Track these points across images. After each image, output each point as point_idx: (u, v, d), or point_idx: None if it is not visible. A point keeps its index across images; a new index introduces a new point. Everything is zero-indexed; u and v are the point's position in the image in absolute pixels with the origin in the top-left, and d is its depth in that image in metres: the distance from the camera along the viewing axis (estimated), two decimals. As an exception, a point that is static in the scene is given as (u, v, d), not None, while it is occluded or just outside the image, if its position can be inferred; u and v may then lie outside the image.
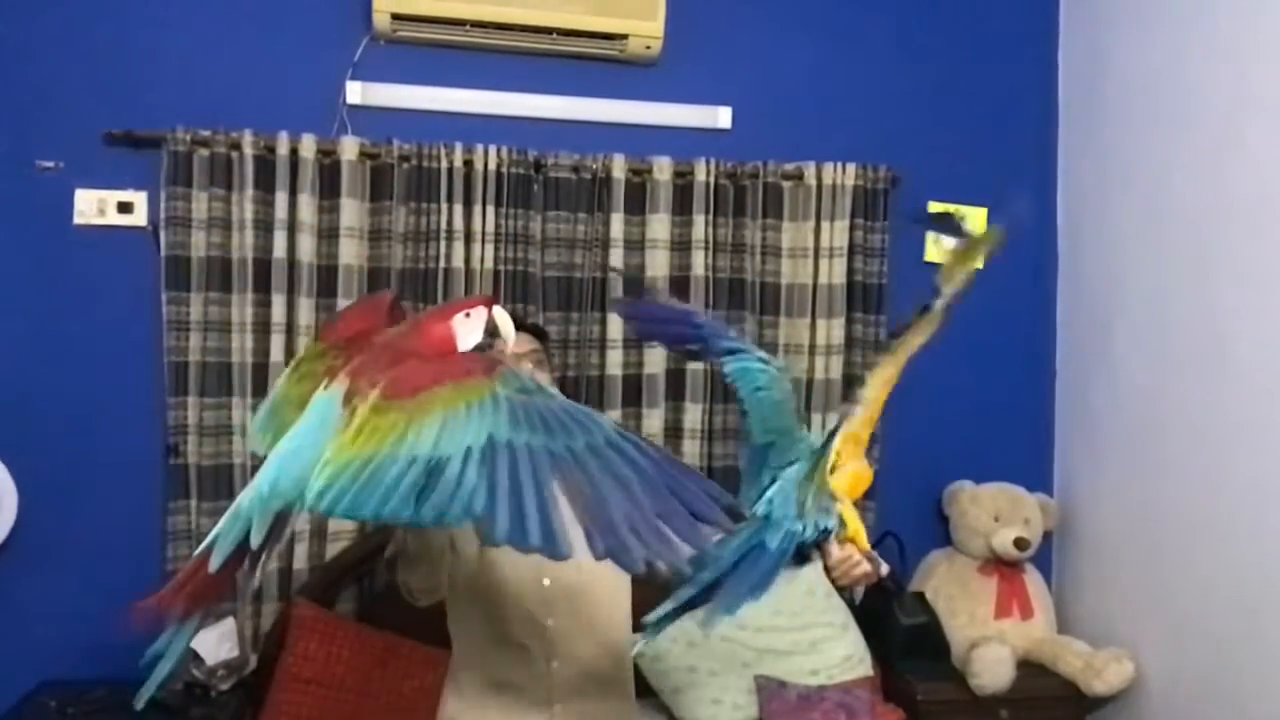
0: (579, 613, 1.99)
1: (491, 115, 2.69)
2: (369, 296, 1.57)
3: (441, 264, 2.58)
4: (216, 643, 2.34)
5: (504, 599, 1.98)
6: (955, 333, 2.99)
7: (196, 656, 2.31)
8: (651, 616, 1.45)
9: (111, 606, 1.29)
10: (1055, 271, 2.98)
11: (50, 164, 2.48)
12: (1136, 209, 2.64)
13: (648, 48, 2.68)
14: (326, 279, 2.54)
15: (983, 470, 2.81)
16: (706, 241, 2.71)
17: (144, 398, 2.50)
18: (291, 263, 2.51)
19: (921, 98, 2.91)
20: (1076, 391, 2.90)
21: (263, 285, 2.50)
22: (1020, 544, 2.67)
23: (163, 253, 2.48)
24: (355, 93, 2.61)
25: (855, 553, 1.62)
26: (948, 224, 1.54)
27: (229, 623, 2.41)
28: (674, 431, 2.73)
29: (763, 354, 1.80)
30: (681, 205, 2.72)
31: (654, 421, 2.70)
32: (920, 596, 2.68)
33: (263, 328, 2.50)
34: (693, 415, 2.72)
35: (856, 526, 1.62)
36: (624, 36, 2.65)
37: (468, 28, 2.59)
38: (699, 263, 2.71)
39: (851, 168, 2.75)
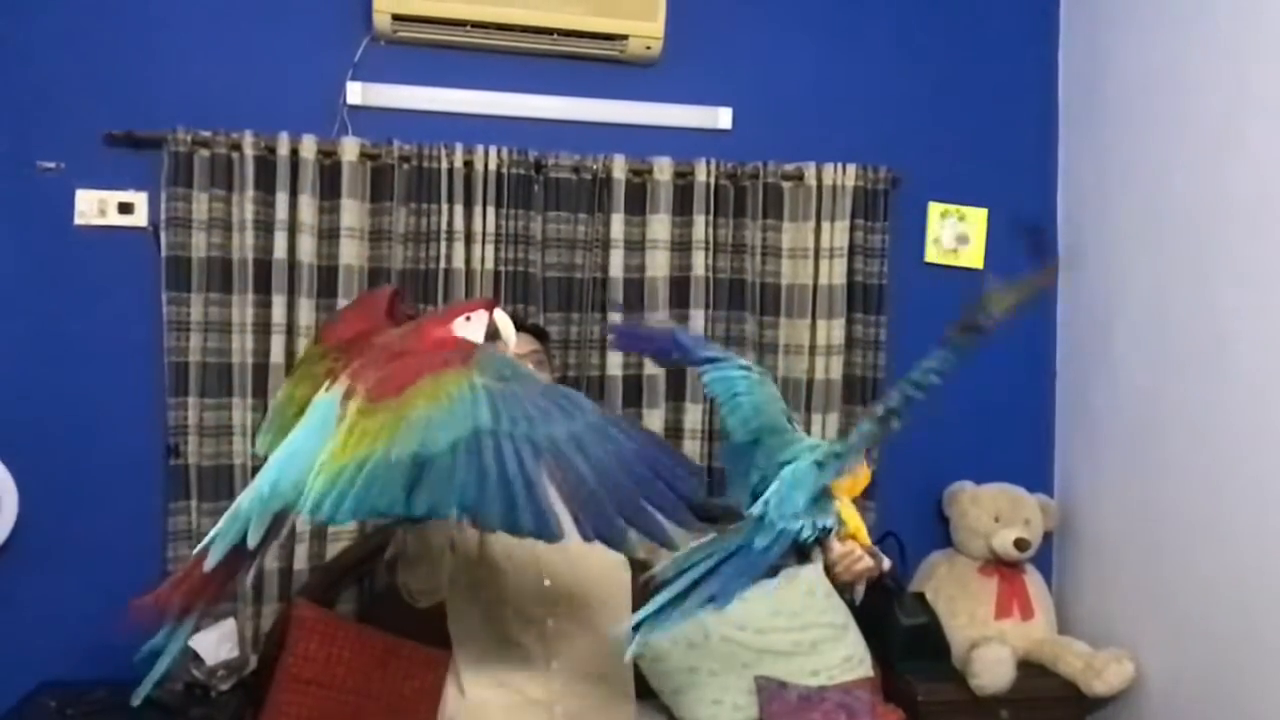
0: (579, 613, 1.99)
1: (492, 116, 2.69)
2: (369, 292, 1.57)
3: (442, 264, 2.58)
4: (217, 643, 2.34)
5: (504, 599, 1.98)
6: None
7: (196, 657, 2.31)
8: (638, 616, 1.45)
9: (112, 607, 1.29)
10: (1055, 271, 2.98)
11: (51, 164, 2.48)
12: (1136, 209, 2.64)
13: (648, 48, 2.68)
14: (327, 279, 2.54)
15: (983, 471, 2.81)
16: (707, 242, 2.71)
17: (144, 398, 2.50)
18: (292, 263, 2.51)
19: (922, 98, 2.91)
20: (1077, 392, 2.90)
21: (263, 286, 2.50)
22: (1020, 544, 2.67)
23: (163, 253, 2.48)
24: (356, 93, 2.61)
25: (857, 548, 1.63)
26: (1038, 242, 1.58)
27: (229, 623, 2.41)
28: (674, 432, 2.73)
29: (744, 362, 1.81)
30: (682, 206, 2.72)
31: (654, 422, 2.69)
32: (920, 597, 2.68)
33: (263, 328, 2.50)
34: (693, 415, 2.72)
35: (857, 523, 1.62)
36: (624, 37, 2.65)
37: (468, 28, 2.59)
38: (699, 263, 2.71)
39: (852, 168, 2.75)
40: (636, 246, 2.71)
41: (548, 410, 1.17)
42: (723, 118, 2.81)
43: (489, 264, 2.61)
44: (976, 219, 2.92)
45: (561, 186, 2.67)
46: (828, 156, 2.76)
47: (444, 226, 2.58)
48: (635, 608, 1.93)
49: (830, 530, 1.58)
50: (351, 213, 2.54)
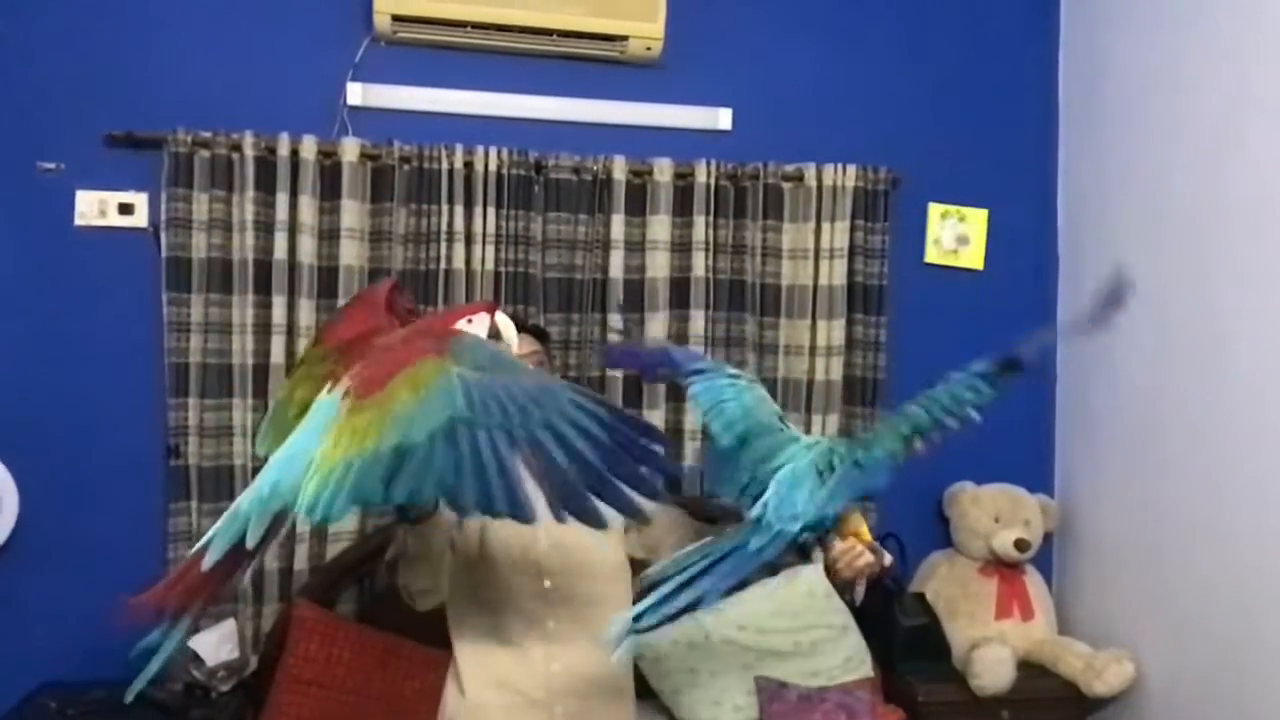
0: (580, 614, 1.99)
1: (492, 117, 2.70)
2: (369, 289, 1.57)
3: (442, 265, 2.58)
4: (217, 644, 2.34)
5: (505, 600, 1.98)
6: (956, 333, 3.00)
7: (197, 658, 2.31)
8: (626, 615, 1.46)
9: (112, 608, 1.30)
10: (1056, 272, 2.98)
11: (51, 165, 2.48)
12: (1136, 209, 2.64)
13: (648, 49, 2.68)
14: (327, 280, 2.55)
15: (983, 471, 2.81)
16: (707, 243, 2.71)
17: (144, 399, 2.50)
18: (292, 264, 2.51)
19: (922, 99, 2.91)
20: (1077, 392, 2.90)
21: (263, 286, 2.50)
22: (1021, 545, 2.67)
23: (163, 254, 2.48)
24: (356, 94, 2.61)
25: (858, 544, 1.63)
26: (1115, 295, 1.57)
27: (229, 624, 2.41)
28: (674, 432, 2.73)
29: (733, 370, 1.82)
30: (682, 206, 2.72)
31: (654, 422, 2.69)
32: (921, 598, 2.68)
33: (263, 329, 2.50)
34: (693, 416, 2.72)
35: (857, 520, 1.63)
36: (624, 38, 2.65)
37: (468, 29, 2.59)
38: (699, 264, 2.71)
39: (852, 169, 2.75)
40: (637, 247, 2.71)
41: (522, 399, 1.19)
42: (723, 118, 2.81)
43: (489, 265, 2.61)
44: (977, 219, 2.92)
45: (562, 187, 2.67)
46: (828, 157, 2.76)
47: (444, 227, 2.58)
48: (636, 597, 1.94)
49: (829, 529, 1.57)
50: (352, 213, 2.54)
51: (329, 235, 2.55)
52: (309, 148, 2.52)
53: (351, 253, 2.54)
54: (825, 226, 2.75)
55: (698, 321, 2.71)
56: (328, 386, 1.41)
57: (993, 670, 2.47)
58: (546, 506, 1.15)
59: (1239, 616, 2.25)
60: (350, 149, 2.54)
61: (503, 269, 2.63)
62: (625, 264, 2.69)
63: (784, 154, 2.76)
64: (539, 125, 2.72)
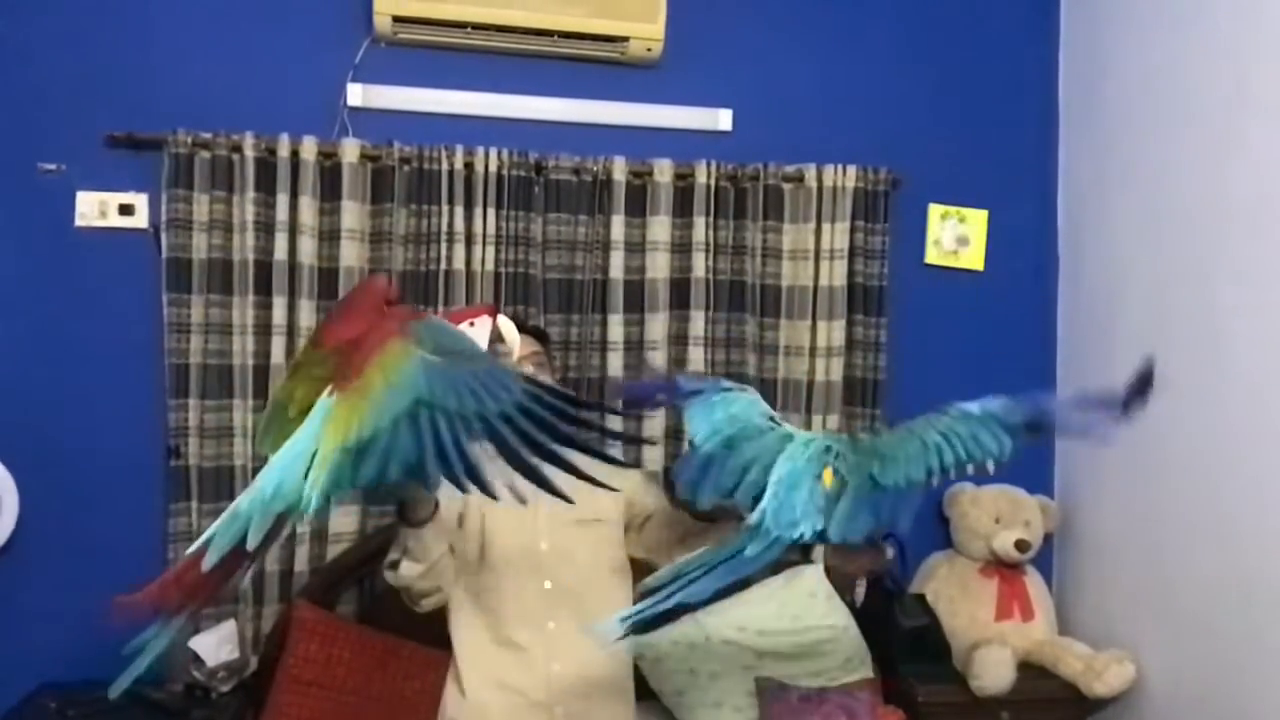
0: (580, 615, 1.99)
1: (492, 117, 2.70)
2: (364, 288, 1.58)
3: (442, 266, 2.58)
4: (217, 645, 2.34)
5: (505, 601, 1.98)
6: (956, 334, 3.00)
7: (197, 658, 2.31)
8: (619, 615, 1.47)
9: (107, 607, 1.30)
10: (1056, 272, 2.98)
11: (52, 166, 2.49)
12: (1136, 210, 2.64)
13: (648, 50, 2.68)
14: (327, 281, 2.55)
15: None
16: (707, 244, 2.71)
17: (145, 399, 2.50)
18: (292, 265, 2.51)
19: (922, 99, 2.91)
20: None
21: (264, 287, 2.50)
22: (1021, 546, 2.67)
23: (164, 255, 2.48)
24: (356, 95, 2.61)
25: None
26: (1143, 385, 1.56)
27: (229, 625, 2.41)
28: (674, 434, 2.73)
29: (727, 384, 1.83)
30: (682, 207, 2.72)
31: (654, 423, 2.70)
32: (921, 598, 2.68)
33: (264, 330, 2.50)
34: (693, 417, 2.72)
35: None
36: (625, 39, 2.65)
37: (468, 30, 2.60)
38: (699, 265, 2.71)
39: (852, 169, 2.75)
40: (637, 248, 2.71)
41: (477, 392, 1.24)
42: (723, 119, 2.81)
43: (489, 265, 2.61)
44: (977, 220, 2.92)
45: (562, 188, 2.67)
46: (828, 158, 2.76)
47: (444, 228, 2.58)
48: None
49: (827, 531, 1.57)
50: (352, 214, 2.54)
51: (329, 236, 2.55)
52: (309, 149, 2.52)
53: (352, 254, 2.54)
54: (825, 227, 2.75)
55: (698, 322, 2.71)
56: (329, 390, 1.41)
57: (993, 671, 2.47)
58: (506, 482, 1.22)
59: (1240, 617, 2.25)
60: (350, 150, 2.54)
61: (503, 270, 2.63)
62: (625, 265, 2.69)
63: (784, 155, 2.76)
64: (539, 126, 2.72)
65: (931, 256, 2.92)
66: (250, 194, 2.49)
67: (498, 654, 1.98)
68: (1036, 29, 2.99)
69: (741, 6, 2.84)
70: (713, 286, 2.73)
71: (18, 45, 2.47)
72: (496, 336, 1.62)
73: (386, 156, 2.57)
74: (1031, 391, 1.54)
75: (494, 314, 1.61)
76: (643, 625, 1.48)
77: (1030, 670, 2.59)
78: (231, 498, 2.46)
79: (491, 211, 2.61)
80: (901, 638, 2.57)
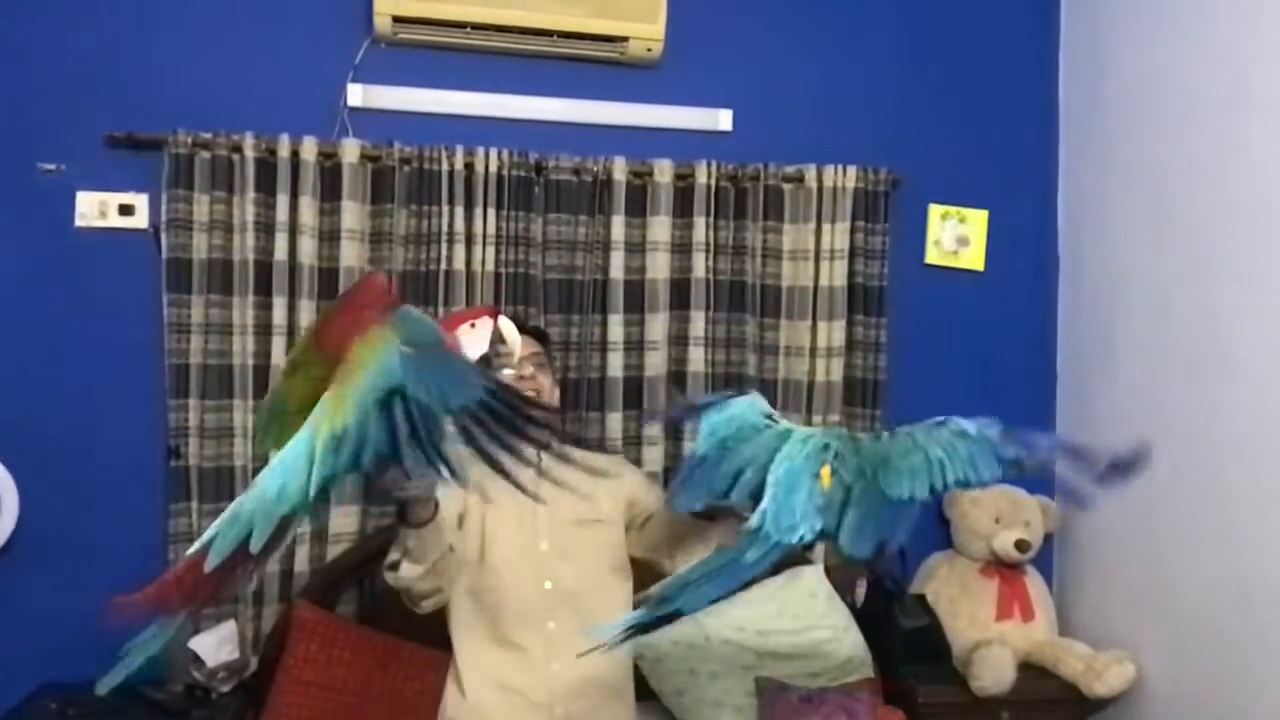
0: (580, 615, 1.99)
1: (492, 118, 2.70)
2: (362, 285, 1.58)
3: (443, 266, 2.58)
4: (217, 645, 2.34)
5: (505, 601, 1.98)
6: (956, 334, 3.00)
7: (197, 659, 2.31)
8: (616, 625, 1.47)
9: (105, 607, 1.30)
10: (1056, 273, 2.98)
11: (52, 166, 2.48)
12: (1137, 210, 2.64)
13: (649, 50, 2.68)
14: (327, 281, 2.54)
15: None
16: (707, 244, 2.71)
17: (145, 400, 2.50)
18: (293, 265, 2.51)
19: (922, 100, 2.91)
20: (1077, 393, 2.90)
21: (264, 288, 2.50)
22: (1021, 546, 2.67)
23: (164, 255, 2.48)
24: (356, 95, 2.61)
25: None
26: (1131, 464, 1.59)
27: (229, 625, 2.41)
28: (675, 435, 2.73)
29: (730, 392, 1.85)
30: (682, 207, 2.72)
31: (654, 425, 2.69)
32: (921, 599, 2.68)
33: (264, 330, 2.50)
34: (694, 418, 2.72)
35: None
36: (625, 39, 2.65)
37: (468, 30, 2.59)
38: (700, 265, 2.71)
39: (852, 170, 2.75)
40: (637, 248, 2.71)
41: (443, 384, 1.29)
42: (723, 119, 2.81)
43: (489, 266, 2.61)
44: (977, 221, 2.92)
45: (562, 188, 2.67)
46: (828, 158, 2.76)
47: (444, 228, 2.58)
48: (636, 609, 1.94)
49: (827, 532, 1.57)
50: (352, 214, 2.54)
51: (329, 236, 2.55)
52: (309, 149, 2.52)
53: (352, 254, 2.54)
54: (826, 227, 2.75)
55: (698, 322, 2.71)
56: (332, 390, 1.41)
57: (993, 671, 2.47)
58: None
59: (1240, 617, 2.25)
60: (351, 150, 2.54)
61: (503, 270, 2.62)
62: (625, 265, 2.69)
63: (784, 155, 2.76)
64: (539, 126, 2.72)
65: (932, 257, 2.92)
66: (250, 194, 2.49)
67: (498, 654, 1.98)
68: (1036, 29, 2.99)
69: (741, 7, 2.84)
70: (713, 287, 2.73)
71: (18, 45, 2.47)
72: (498, 338, 1.62)
73: (387, 157, 2.57)
74: (1028, 427, 1.55)
75: (495, 315, 1.62)
76: (641, 628, 1.49)
77: (1031, 671, 2.60)
78: (232, 498, 2.45)
79: (492, 212, 2.61)
80: (902, 638, 2.57)
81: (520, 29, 2.60)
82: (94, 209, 2.50)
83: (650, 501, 2.12)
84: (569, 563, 2.03)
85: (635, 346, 2.70)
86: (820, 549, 2.52)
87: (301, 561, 2.50)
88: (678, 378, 2.73)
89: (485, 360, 1.82)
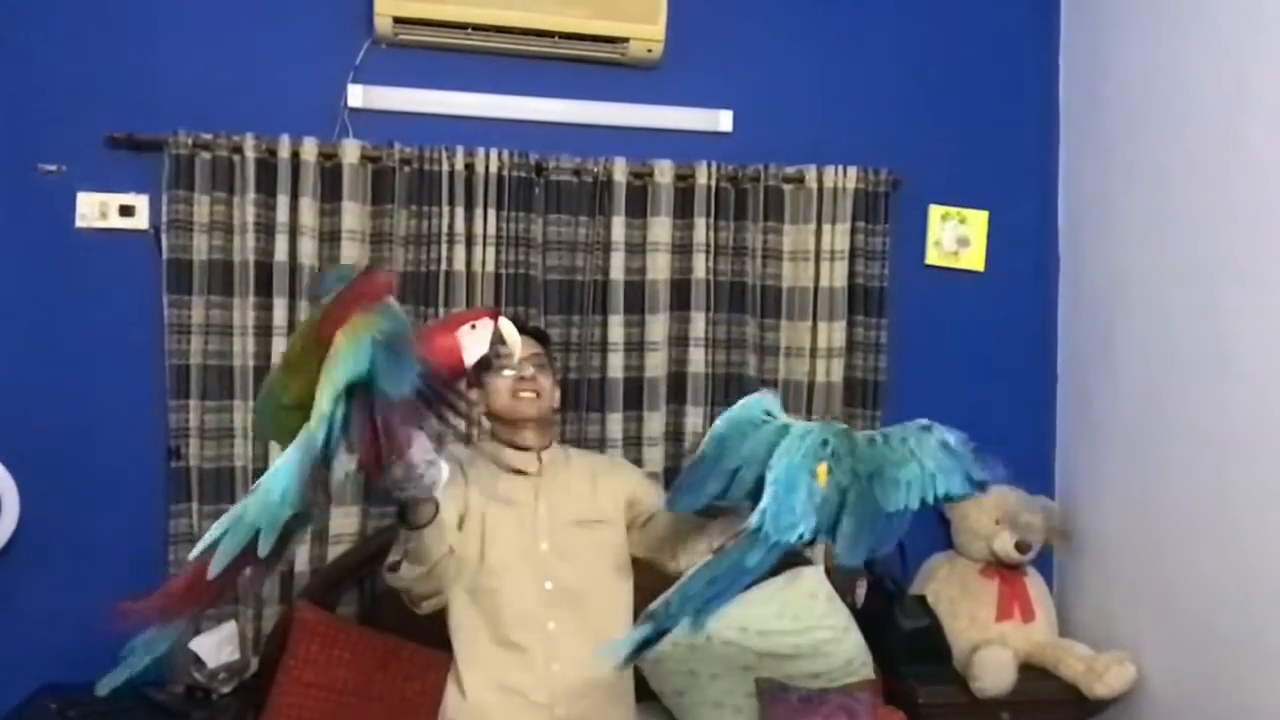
0: (580, 616, 1.99)
1: (493, 118, 2.70)
2: (362, 281, 1.57)
3: (443, 267, 2.58)
4: (217, 646, 2.34)
5: (505, 602, 1.98)
6: (957, 335, 3.00)
7: (198, 660, 2.31)
8: (624, 644, 1.48)
9: (110, 612, 1.30)
10: (1057, 273, 2.98)
11: (52, 167, 2.49)
12: (1137, 210, 2.64)
13: (649, 51, 2.68)
14: (328, 282, 2.54)
15: (983, 473, 2.80)
16: (708, 244, 2.71)
17: (145, 400, 2.50)
18: (293, 266, 2.51)
19: (922, 100, 2.91)
20: (1078, 394, 2.90)
21: (264, 288, 2.50)
22: (1021, 547, 2.67)
23: (164, 256, 2.48)
24: (356, 96, 2.61)
25: None
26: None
27: (230, 626, 2.41)
28: (675, 435, 2.73)
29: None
30: (683, 208, 2.72)
31: (655, 425, 2.69)
32: (921, 600, 2.68)
33: (264, 331, 2.50)
34: (694, 419, 2.72)
35: None
36: (625, 40, 2.65)
37: (469, 31, 2.60)
38: (700, 266, 2.71)
39: (853, 170, 2.75)
40: (637, 249, 2.71)
41: (398, 373, 1.36)
42: (724, 120, 2.81)
43: (490, 267, 2.61)
44: (977, 221, 2.92)
45: (562, 189, 2.67)
46: (828, 159, 2.76)
47: (445, 229, 2.58)
48: (636, 610, 1.95)
49: (820, 531, 1.57)
50: (352, 215, 2.54)
51: (330, 237, 2.55)
52: (310, 150, 2.52)
53: (352, 254, 2.54)
54: (826, 228, 2.74)
55: (698, 323, 2.71)
56: None
57: (993, 672, 2.47)
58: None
59: (1241, 618, 2.25)
60: (351, 151, 2.54)
61: (503, 271, 2.62)
62: (626, 266, 2.69)
63: (785, 156, 2.76)
64: (540, 127, 2.72)
65: (932, 257, 2.92)
66: (251, 195, 2.49)
67: (498, 655, 1.98)
68: (1036, 29, 2.99)
69: (742, 7, 2.84)
70: (713, 287, 2.73)
71: (18, 45, 2.48)
72: (498, 339, 1.62)
73: (387, 157, 2.57)
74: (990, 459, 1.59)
75: (495, 316, 1.62)
76: (647, 643, 1.49)
77: (1031, 671, 2.59)
78: (233, 499, 2.47)
79: (492, 212, 2.61)
80: (902, 639, 2.57)
81: (521, 30, 2.60)
82: (94, 210, 2.51)
83: (651, 501, 2.12)
84: (569, 563, 2.03)
85: (635, 347, 2.70)
86: (820, 549, 2.52)
87: (302, 562, 2.50)
88: (678, 379, 2.73)
89: (486, 361, 1.83)
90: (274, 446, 1.43)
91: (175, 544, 2.47)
